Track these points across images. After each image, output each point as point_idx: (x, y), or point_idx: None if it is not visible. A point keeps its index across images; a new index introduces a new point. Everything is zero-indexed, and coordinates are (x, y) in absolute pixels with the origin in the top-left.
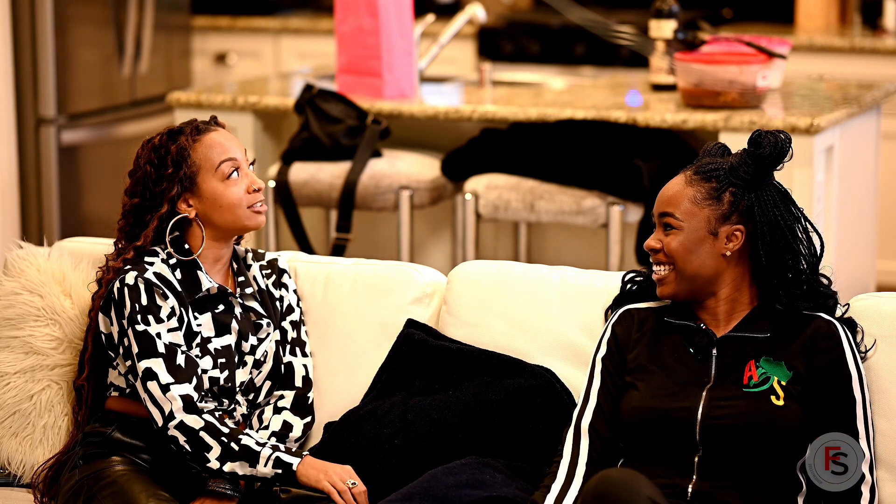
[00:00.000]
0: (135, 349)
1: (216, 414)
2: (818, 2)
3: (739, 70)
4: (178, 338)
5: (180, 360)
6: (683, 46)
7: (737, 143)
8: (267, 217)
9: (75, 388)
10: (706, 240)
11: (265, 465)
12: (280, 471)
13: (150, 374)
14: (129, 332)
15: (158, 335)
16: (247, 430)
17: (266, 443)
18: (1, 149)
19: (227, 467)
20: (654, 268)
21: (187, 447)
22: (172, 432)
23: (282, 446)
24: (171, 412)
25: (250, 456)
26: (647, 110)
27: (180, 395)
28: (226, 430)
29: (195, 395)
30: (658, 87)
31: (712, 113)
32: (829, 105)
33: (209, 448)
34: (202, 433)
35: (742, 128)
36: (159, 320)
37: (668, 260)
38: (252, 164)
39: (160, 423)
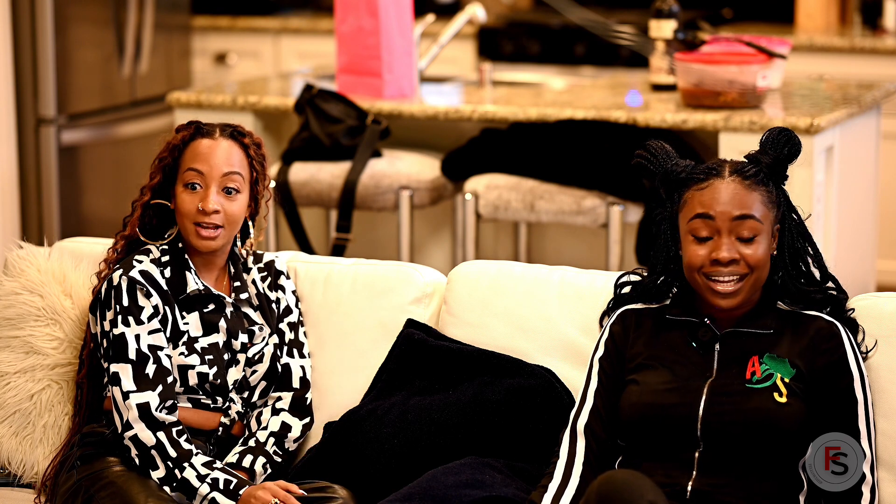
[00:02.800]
0: (109, 351)
1: (174, 430)
2: (818, 2)
3: (739, 70)
4: (159, 339)
5: (150, 369)
6: (683, 46)
7: (737, 143)
8: (267, 217)
9: (77, 383)
10: (771, 242)
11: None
12: None
13: (115, 379)
14: (109, 334)
15: (137, 337)
16: (197, 453)
17: (208, 474)
18: (1, 149)
19: (167, 490)
20: (722, 280)
21: (136, 460)
22: (127, 441)
23: (221, 480)
24: (128, 421)
25: (188, 490)
26: (647, 110)
27: (137, 404)
28: (174, 455)
29: (156, 403)
30: (658, 87)
31: (712, 113)
32: (829, 105)
33: (156, 467)
34: (153, 451)
35: (742, 128)
36: (139, 322)
37: (745, 271)
38: (230, 189)
39: (119, 429)
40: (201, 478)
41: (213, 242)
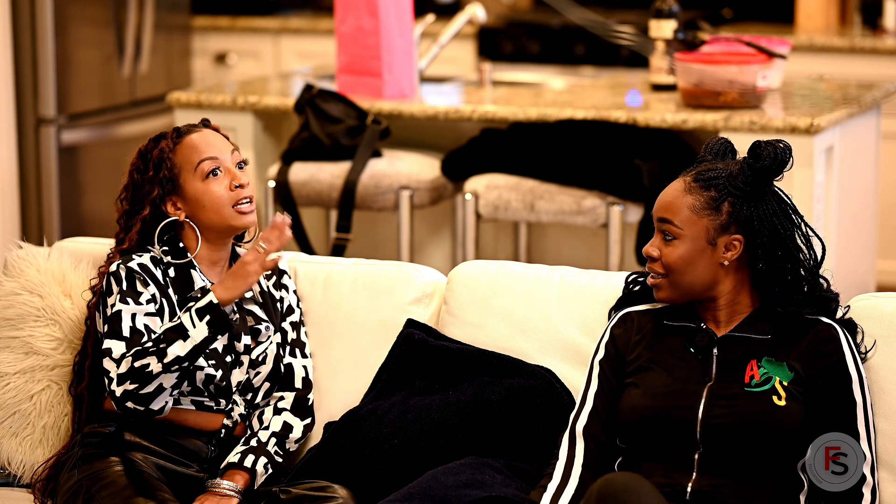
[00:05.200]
0: (104, 329)
1: (136, 347)
2: (818, 2)
3: (739, 70)
4: (154, 322)
5: (144, 341)
6: (683, 46)
7: (737, 143)
8: (267, 217)
9: (76, 395)
10: (704, 250)
11: (194, 326)
12: (209, 315)
13: (107, 353)
14: (107, 312)
15: (133, 316)
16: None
17: (178, 319)
18: (1, 149)
19: (168, 357)
20: (650, 273)
21: (137, 384)
22: (120, 391)
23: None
24: (111, 376)
25: (178, 331)
26: (647, 110)
27: (117, 357)
28: (147, 344)
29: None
30: (658, 87)
31: (712, 113)
32: (829, 105)
33: (147, 365)
34: (135, 363)
35: (742, 128)
36: (138, 303)
37: (663, 271)
38: (241, 164)
39: (110, 393)
40: (172, 317)
41: (254, 215)
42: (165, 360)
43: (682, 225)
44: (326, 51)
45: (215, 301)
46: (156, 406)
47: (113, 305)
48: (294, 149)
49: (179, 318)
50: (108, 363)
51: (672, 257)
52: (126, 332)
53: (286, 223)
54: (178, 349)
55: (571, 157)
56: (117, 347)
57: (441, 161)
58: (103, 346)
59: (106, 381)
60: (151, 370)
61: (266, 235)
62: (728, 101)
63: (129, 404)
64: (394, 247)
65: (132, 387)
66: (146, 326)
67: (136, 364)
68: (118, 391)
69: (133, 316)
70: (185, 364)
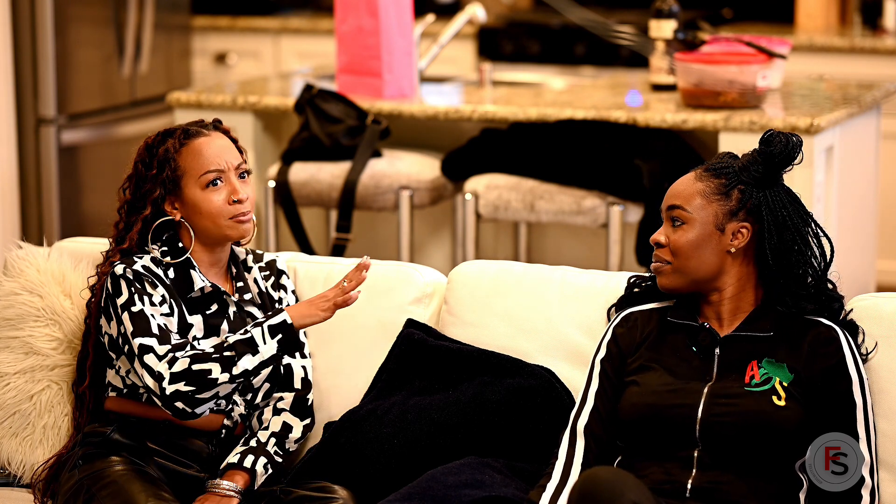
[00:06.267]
0: (131, 328)
1: (188, 349)
2: (818, 2)
3: (739, 70)
4: (170, 322)
5: (174, 339)
6: (683, 46)
7: (737, 143)
8: (267, 217)
9: (77, 394)
10: (712, 235)
11: (265, 343)
12: (281, 335)
13: (146, 349)
14: (128, 311)
15: (152, 316)
16: (228, 335)
17: (247, 332)
18: (1, 149)
19: (238, 370)
20: (655, 260)
21: (193, 388)
22: (170, 389)
23: (265, 327)
24: (161, 373)
25: (249, 345)
26: (647, 110)
27: (164, 357)
28: (210, 350)
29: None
30: (658, 87)
31: (712, 113)
32: (829, 105)
33: (209, 371)
34: (194, 366)
35: (742, 128)
36: (153, 304)
37: (670, 257)
38: (244, 174)
39: (158, 390)
40: (247, 330)
41: (250, 224)
42: (234, 372)
43: (693, 210)
44: (326, 51)
45: (289, 321)
46: (199, 410)
47: (132, 305)
48: (294, 149)
49: (249, 331)
50: (151, 359)
51: (681, 242)
52: (156, 331)
53: (367, 265)
54: (247, 363)
55: (571, 157)
56: (158, 345)
57: (441, 161)
58: (139, 343)
59: (147, 377)
60: (215, 378)
61: (350, 275)
62: (728, 101)
63: (178, 404)
64: (394, 247)
65: (187, 388)
66: (166, 326)
67: (195, 367)
68: (169, 389)
69: (152, 316)
70: (249, 378)
